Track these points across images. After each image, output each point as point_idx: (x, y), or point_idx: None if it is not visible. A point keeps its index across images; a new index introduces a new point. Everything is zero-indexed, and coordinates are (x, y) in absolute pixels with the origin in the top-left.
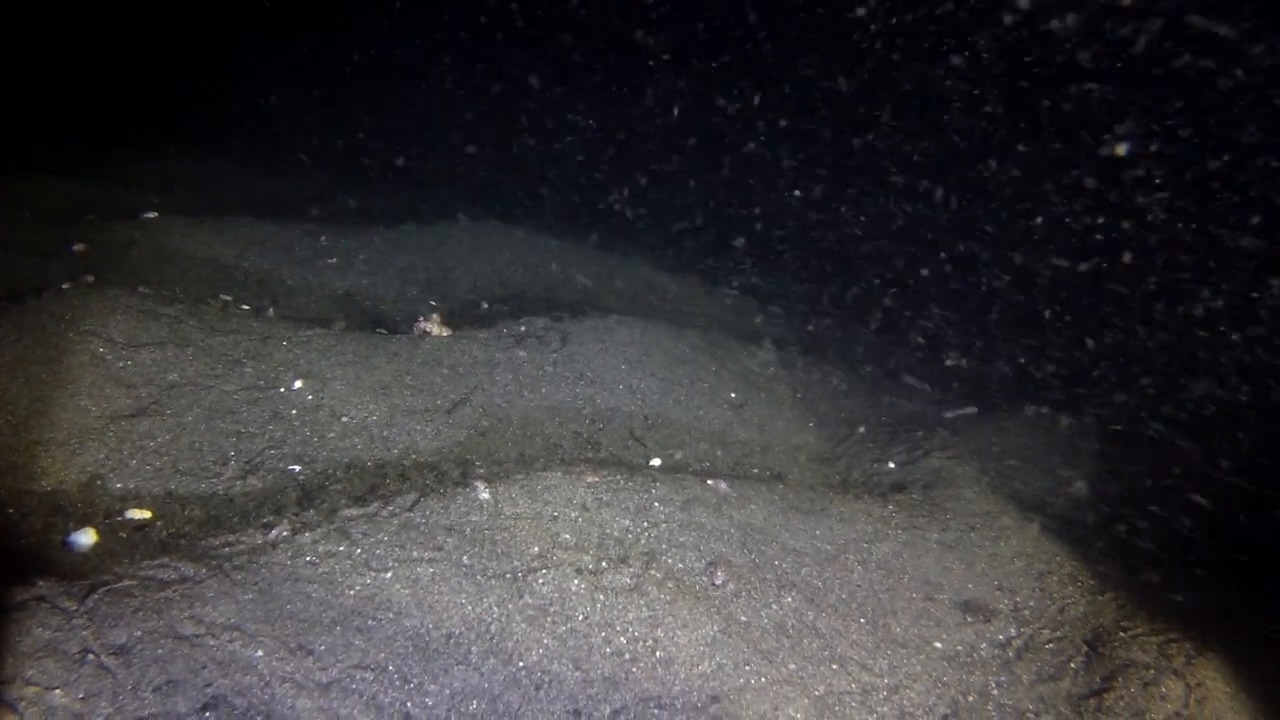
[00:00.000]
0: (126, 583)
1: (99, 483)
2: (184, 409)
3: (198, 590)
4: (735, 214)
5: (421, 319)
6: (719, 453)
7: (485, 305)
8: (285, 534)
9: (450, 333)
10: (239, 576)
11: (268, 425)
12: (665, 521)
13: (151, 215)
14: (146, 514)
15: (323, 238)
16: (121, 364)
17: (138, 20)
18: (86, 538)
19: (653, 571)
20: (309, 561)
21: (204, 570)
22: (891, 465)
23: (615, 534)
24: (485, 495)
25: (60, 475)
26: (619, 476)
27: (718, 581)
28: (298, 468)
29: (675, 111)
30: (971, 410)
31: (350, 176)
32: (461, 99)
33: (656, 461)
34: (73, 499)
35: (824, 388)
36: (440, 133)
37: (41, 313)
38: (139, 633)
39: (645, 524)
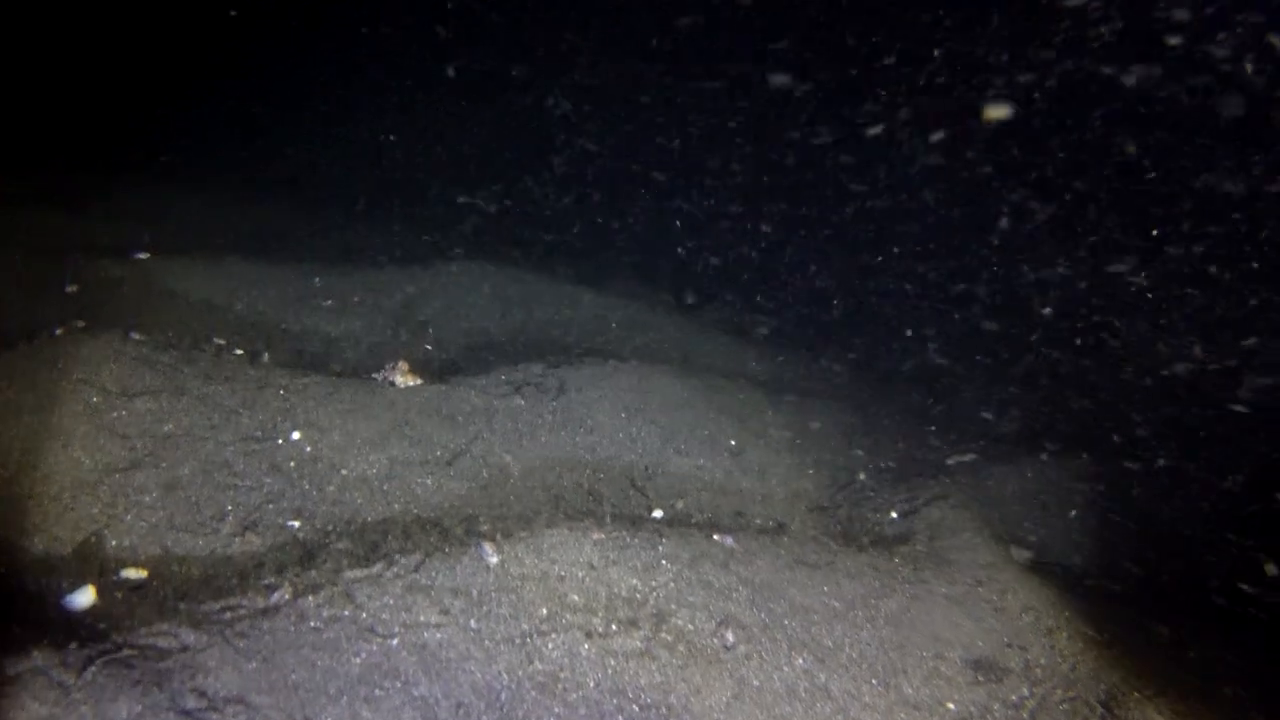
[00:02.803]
0: (126, 652)
1: (94, 539)
2: (179, 461)
3: (199, 660)
4: (731, 255)
5: (388, 366)
6: (720, 502)
7: (481, 350)
8: (287, 598)
9: (419, 382)
10: (241, 644)
11: (265, 478)
12: (674, 580)
13: (143, 255)
14: (142, 573)
15: (316, 279)
16: (115, 414)
17: (124, 47)
18: (84, 598)
19: (663, 634)
20: (313, 627)
21: (205, 638)
22: (894, 515)
23: (624, 593)
24: (491, 556)
25: (54, 531)
26: (624, 533)
27: (729, 643)
28: (297, 523)
29: (672, 149)
30: (971, 457)
31: (342, 211)
32: (455, 134)
33: (659, 513)
34: (67, 557)
35: (821, 432)
36: (433, 168)
37: (33, 359)
38: (139, 708)
39: (653, 583)
